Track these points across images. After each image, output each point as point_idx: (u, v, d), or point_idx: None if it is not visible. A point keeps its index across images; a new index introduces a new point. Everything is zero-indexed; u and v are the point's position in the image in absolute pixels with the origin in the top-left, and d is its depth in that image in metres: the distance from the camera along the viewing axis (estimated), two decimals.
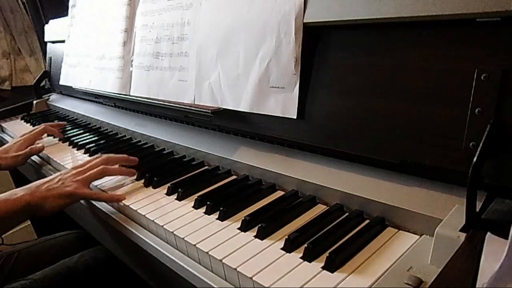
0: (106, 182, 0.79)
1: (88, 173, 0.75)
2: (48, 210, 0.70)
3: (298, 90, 0.64)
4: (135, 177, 0.79)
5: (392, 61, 0.54)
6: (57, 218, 1.13)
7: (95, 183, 0.79)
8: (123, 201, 0.70)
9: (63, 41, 1.42)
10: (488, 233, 0.39)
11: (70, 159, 0.97)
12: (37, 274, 0.86)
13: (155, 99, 0.93)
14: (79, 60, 1.30)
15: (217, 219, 0.60)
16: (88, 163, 0.78)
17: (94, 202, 0.77)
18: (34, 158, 1.07)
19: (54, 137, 1.16)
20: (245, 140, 0.77)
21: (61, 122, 1.22)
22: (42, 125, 1.13)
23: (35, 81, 1.63)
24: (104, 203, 0.75)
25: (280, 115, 0.66)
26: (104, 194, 0.75)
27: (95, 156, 0.82)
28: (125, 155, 0.84)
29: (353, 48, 0.58)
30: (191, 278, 0.53)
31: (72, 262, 0.90)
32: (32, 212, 0.69)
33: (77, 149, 1.03)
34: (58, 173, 0.77)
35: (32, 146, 1.03)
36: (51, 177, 0.75)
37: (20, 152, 1.01)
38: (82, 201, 0.81)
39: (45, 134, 1.15)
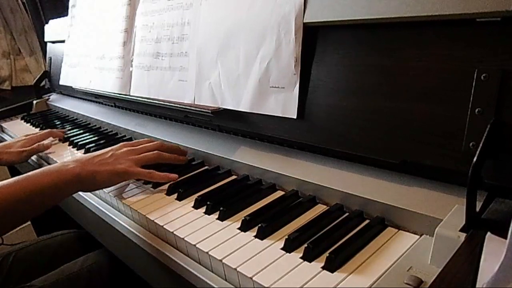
0: None
1: (143, 154, 0.74)
2: (98, 185, 0.69)
3: (298, 90, 0.64)
4: None
5: (392, 61, 0.54)
6: (56, 217, 1.14)
7: None
8: (122, 201, 0.70)
9: (63, 41, 1.42)
10: (488, 233, 0.39)
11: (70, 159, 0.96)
12: (38, 280, 0.83)
13: (155, 99, 0.93)
14: (79, 60, 1.30)
15: (217, 219, 0.60)
16: (140, 144, 0.78)
17: (96, 204, 0.76)
18: (34, 158, 1.07)
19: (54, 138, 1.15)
20: (245, 140, 0.77)
21: (64, 130, 1.21)
22: (48, 130, 1.12)
23: (35, 81, 1.63)
24: (106, 204, 0.75)
25: (280, 115, 0.67)
26: (157, 173, 0.73)
27: (147, 139, 0.83)
28: (176, 145, 0.85)
29: (353, 48, 0.58)
30: (191, 278, 0.53)
31: (75, 267, 0.88)
32: (82, 185, 0.67)
33: (77, 149, 1.03)
34: (109, 148, 0.75)
35: (39, 143, 1.04)
36: (102, 151, 0.74)
37: (25, 148, 1.00)
38: (82, 202, 0.82)
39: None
